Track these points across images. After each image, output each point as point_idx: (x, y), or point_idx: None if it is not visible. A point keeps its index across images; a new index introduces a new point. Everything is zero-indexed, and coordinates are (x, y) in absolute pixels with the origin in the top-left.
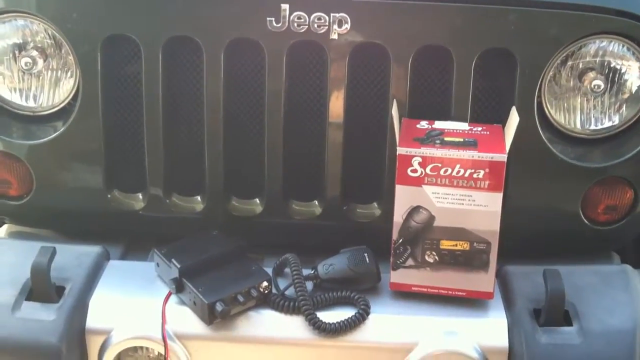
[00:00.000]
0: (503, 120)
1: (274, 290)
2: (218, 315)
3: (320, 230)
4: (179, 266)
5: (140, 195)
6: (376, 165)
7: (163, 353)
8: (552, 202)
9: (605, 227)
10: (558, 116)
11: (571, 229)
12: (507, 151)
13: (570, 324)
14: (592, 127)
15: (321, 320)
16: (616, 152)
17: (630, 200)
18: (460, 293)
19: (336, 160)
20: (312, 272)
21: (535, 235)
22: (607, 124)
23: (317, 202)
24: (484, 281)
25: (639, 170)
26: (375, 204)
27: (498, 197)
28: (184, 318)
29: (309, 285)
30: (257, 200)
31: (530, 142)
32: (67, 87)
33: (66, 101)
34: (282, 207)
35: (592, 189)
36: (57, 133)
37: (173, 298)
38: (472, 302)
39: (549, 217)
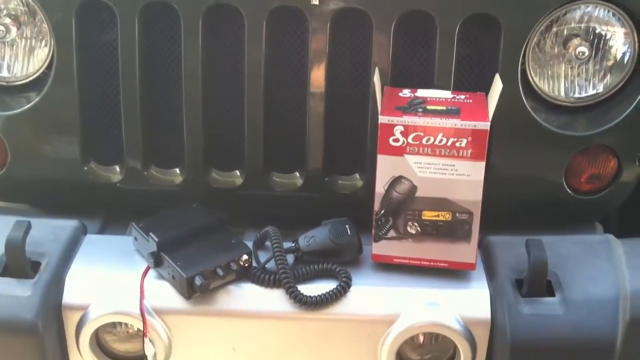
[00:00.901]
0: (486, 89)
1: (254, 264)
2: (197, 289)
3: (302, 202)
4: (157, 240)
5: (117, 168)
6: (358, 135)
7: (142, 328)
8: (535, 172)
9: (589, 197)
10: (542, 84)
11: (554, 198)
12: (490, 119)
13: (553, 295)
14: (577, 95)
15: (302, 294)
16: (600, 120)
17: (613, 169)
18: (442, 264)
19: (318, 130)
20: (293, 244)
21: (518, 205)
22: (591, 91)
23: (298, 174)
24: (466, 252)
25: (623, 138)
26: (357, 175)
27: (481, 166)
28: (163, 293)
29: (290, 258)
30: (237, 172)
31: (514, 110)
32: (41, 56)
33: (40, 71)
34: (262, 179)
35: (575, 158)
36: (31, 104)
37: (151, 272)
38: (454, 273)
39: (531, 186)
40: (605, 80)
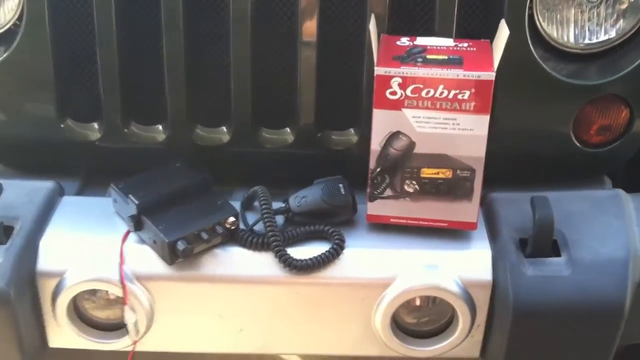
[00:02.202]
0: (491, 36)
1: (241, 226)
2: (180, 254)
3: (293, 159)
4: (137, 202)
5: (95, 125)
6: (353, 88)
7: (122, 296)
8: (542, 124)
9: (598, 150)
10: (550, 30)
11: (561, 152)
12: (495, 69)
13: (558, 255)
14: (587, 41)
15: (292, 257)
16: (612, 68)
17: (625, 120)
18: (441, 224)
19: (309, 83)
20: (283, 205)
21: (522, 160)
22: (602, 37)
23: (289, 129)
24: (468, 211)
25: (636, 87)
26: (352, 130)
27: (485, 119)
28: (144, 258)
29: (280, 219)
30: (224, 129)
31: (520, 58)
32: (10, 5)
33: (10, 22)
34: (251, 135)
35: (585, 109)
36: (1, 58)
37: (132, 237)
38: (454, 233)
39: (537, 140)
40: (617, 25)
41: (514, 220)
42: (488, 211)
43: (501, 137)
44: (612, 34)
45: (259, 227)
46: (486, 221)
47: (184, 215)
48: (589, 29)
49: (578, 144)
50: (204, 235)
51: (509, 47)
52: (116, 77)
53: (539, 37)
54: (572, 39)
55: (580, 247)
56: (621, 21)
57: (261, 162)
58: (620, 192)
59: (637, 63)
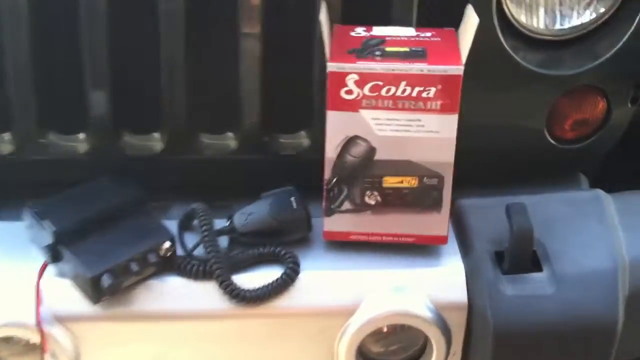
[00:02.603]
0: (456, 24)
1: (179, 252)
2: (105, 291)
3: (238, 168)
4: (54, 229)
5: (6, 136)
6: (304, 85)
7: (40, 342)
8: (512, 119)
9: (573, 146)
10: (518, 14)
11: (534, 149)
12: (464, 62)
13: (539, 269)
14: (558, 26)
15: (239, 286)
16: (587, 56)
17: (602, 112)
18: (408, 239)
19: (253, 80)
20: (227, 224)
21: (491, 159)
22: (575, 22)
23: (231, 134)
24: (437, 223)
25: (614, 76)
26: (303, 133)
27: (453, 120)
28: (66, 295)
29: (224, 241)
30: (157, 135)
31: (488, 48)
32: None
33: None
34: (188, 142)
35: (559, 102)
36: None
37: (51, 269)
38: (422, 249)
39: (507, 137)
40: (591, 8)
41: (487, 231)
42: (458, 221)
43: (467, 134)
44: (586, 18)
45: (200, 251)
46: (456, 233)
47: (110, 242)
48: (560, 13)
49: (551, 140)
50: (134, 267)
51: (474, 35)
52: (29, 80)
53: (507, 23)
54: (542, 24)
55: (563, 259)
56: (595, 3)
57: (201, 172)
58: (600, 192)
59: (614, 50)
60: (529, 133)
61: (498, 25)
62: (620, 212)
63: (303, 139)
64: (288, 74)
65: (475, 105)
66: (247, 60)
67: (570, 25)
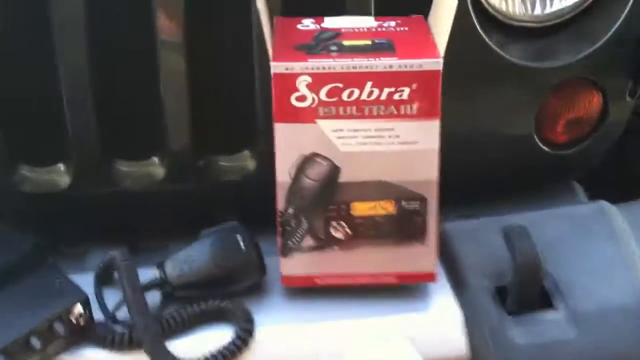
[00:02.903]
0: (424, 10)
1: (97, 316)
2: None
3: (168, 200)
4: None
5: None
6: (243, 94)
7: None
8: (495, 123)
9: (566, 151)
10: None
11: (522, 157)
12: (443, 54)
13: (550, 305)
14: (538, 10)
15: (176, 357)
16: (577, 45)
17: (597, 109)
18: (388, 279)
19: (179, 95)
20: (158, 274)
21: (472, 172)
22: (557, 4)
23: (157, 159)
24: (422, 257)
25: (608, 65)
26: (247, 153)
27: (433, 127)
28: None
29: (155, 297)
30: (61, 167)
31: (463, 39)
32: None
33: None
34: (102, 172)
35: (548, 100)
36: None
37: None
38: (407, 290)
39: (490, 144)
40: None
41: (482, 262)
42: (445, 251)
43: (444, 144)
44: (569, 0)
45: (124, 313)
46: (445, 266)
47: (3, 310)
48: None
49: (542, 146)
50: (36, 343)
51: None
52: None
53: (482, 12)
54: (518, 10)
55: (578, 292)
56: None
57: (122, 208)
58: (604, 204)
59: (608, 35)
60: (516, 138)
61: (473, 12)
62: (632, 226)
63: (247, 161)
64: (223, 82)
65: (448, 108)
66: (170, 72)
67: (552, 9)
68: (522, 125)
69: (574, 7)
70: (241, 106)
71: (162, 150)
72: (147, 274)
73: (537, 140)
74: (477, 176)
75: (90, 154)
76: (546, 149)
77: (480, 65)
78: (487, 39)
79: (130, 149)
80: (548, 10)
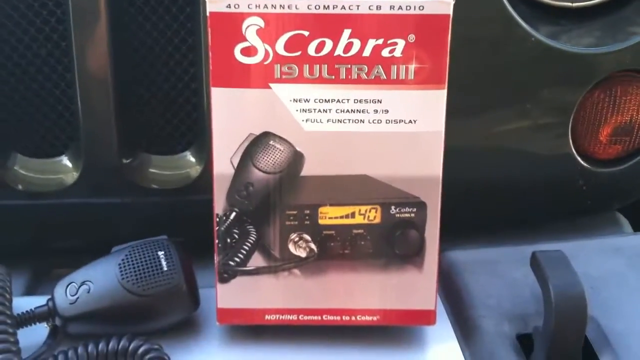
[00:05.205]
0: None
1: None
2: None
3: (83, 212)
4: None
5: None
6: (177, 70)
7: None
8: (520, 130)
9: (612, 169)
10: None
11: (553, 174)
12: None
13: None
14: None
15: None
16: (624, 30)
17: None
18: (368, 319)
19: (96, 72)
20: (46, 303)
21: (490, 193)
22: None
23: (67, 160)
24: (416, 287)
25: None
26: (188, 155)
27: (439, 97)
28: None
29: (41, 331)
30: None
31: (490, 17)
32: None
33: None
34: None
35: (589, 97)
36: None
37: None
38: (395, 335)
39: (512, 159)
40: None
41: (497, 301)
42: (449, 283)
43: (450, 156)
44: None
45: None
46: (448, 303)
47: None
48: None
49: (581, 159)
50: None
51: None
52: None
53: None
54: None
55: (633, 346)
56: None
57: (22, 223)
58: None
59: None
60: (546, 149)
61: None
62: None
63: (190, 166)
64: (150, 60)
65: (461, 113)
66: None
67: None
68: (553, 130)
69: None
70: (175, 91)
71: (73, 150)
72: (31, 301)
73: (573, 152)
74: (492, 199)
75: None
76: (585, 164)
77: (502, 44)
78: (516, 16)
79: (34, 146)
80: None
